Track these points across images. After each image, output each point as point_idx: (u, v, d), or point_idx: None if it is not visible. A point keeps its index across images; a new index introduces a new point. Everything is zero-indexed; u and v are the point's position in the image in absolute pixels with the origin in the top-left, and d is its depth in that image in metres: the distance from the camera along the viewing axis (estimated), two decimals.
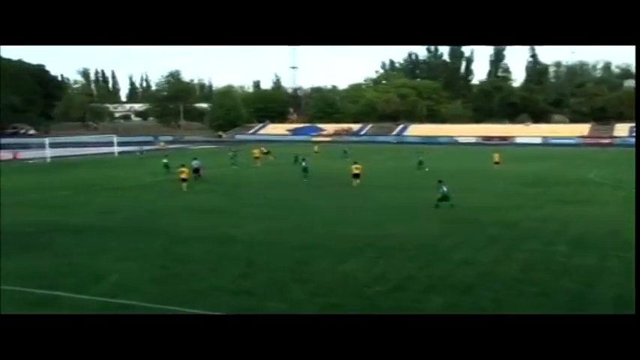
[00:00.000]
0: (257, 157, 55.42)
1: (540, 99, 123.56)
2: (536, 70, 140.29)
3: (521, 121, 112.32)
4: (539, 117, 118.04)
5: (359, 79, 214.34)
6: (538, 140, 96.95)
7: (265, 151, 61.19)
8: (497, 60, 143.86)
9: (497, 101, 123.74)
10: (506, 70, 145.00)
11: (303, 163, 43.12)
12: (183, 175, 36.98)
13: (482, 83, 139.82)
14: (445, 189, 27.90)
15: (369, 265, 17.60)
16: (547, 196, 32.77)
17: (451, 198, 27.63)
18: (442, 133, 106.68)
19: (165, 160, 48.43)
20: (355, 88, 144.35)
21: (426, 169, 47.47)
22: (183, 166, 38.15)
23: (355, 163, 38.97)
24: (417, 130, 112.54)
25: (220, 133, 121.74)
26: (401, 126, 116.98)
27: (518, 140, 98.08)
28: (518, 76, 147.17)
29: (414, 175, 44.53)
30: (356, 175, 37.93)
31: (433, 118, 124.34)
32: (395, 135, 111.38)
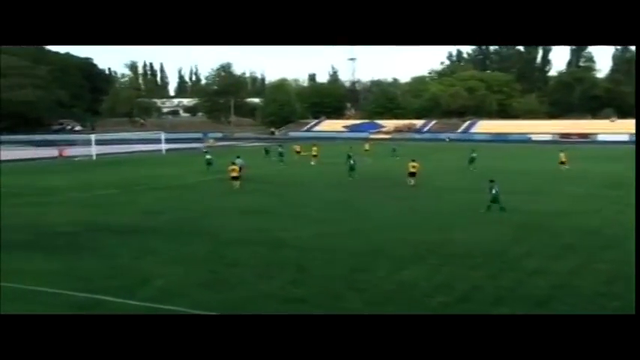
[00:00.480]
0: (315, 155, 56.07)
1: (628, 91, 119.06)
2: (625, 58, 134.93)
3: (606, 117, 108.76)
4: (627, 112, 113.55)
5: (422, 71, 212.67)
6: (625, 137, 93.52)
7: (298, 149, 62.34)
8: (579, 49, 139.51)
9: (578, 94, 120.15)
10: (590, 59, 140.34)
11: (351, 161, 44.06)
12: (234, 174, 37.70)
13: (560, 74, 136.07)
14: (497, 189, 27.54)
15: (431, 274, 17.45)
16: (632, 199, 31.56)
17: (501, 200, 27.40)
18: (514, 129, 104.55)
19: (208, 157, 49.57)
20: (418, 81, 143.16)
21: (474, 169, 47.25)
22: (234, 163, 38.92)
23: (413, 160, 38.98)
24: (486, 126, 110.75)
25: (273, 129, 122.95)
26: (468, 122, 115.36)
27: (601, 137, 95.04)
28: (603, 66, 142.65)
29: (475, 176, 43.83)
30: (412, 174, 37.85)
31: (504, 113, 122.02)
32: (461, 132, 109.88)
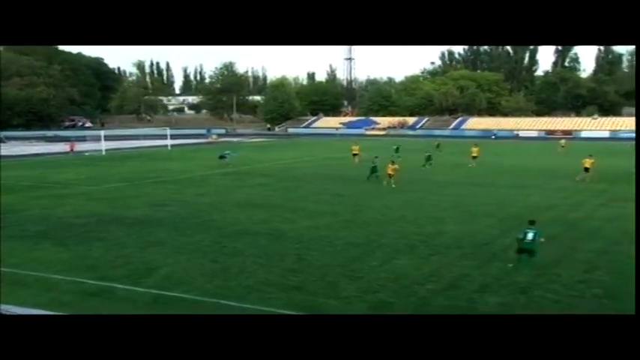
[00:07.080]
0: (475, 157, 48.17)
1: (611, 90, 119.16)
2: (607, 59, 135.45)
3: (589, 114, 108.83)
4: (609, 110, 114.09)
5: (416, 70, 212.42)
6: (606, 134, 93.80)
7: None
8: (564, 50, 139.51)
9: (563, 93, 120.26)
10: (575, 59, 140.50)
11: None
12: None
13: (547, 74, 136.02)
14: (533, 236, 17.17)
15: (421, 263, 17.54)
16: (611, 193, 31.71)
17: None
18: (502, 126, 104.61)
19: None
20: (412, 80, 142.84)
21: (430, 165, 45.15)
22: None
23: (590, 156, 37.87)
24: (476, 123, 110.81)
25: (269, 126, 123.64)
26: (459, 119, 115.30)
27: (584, 134, 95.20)
28: (587, 67, 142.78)
29: (466, 170, 43.95)
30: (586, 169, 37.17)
31: (493, 111, 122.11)
32: (452, 129, 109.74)
